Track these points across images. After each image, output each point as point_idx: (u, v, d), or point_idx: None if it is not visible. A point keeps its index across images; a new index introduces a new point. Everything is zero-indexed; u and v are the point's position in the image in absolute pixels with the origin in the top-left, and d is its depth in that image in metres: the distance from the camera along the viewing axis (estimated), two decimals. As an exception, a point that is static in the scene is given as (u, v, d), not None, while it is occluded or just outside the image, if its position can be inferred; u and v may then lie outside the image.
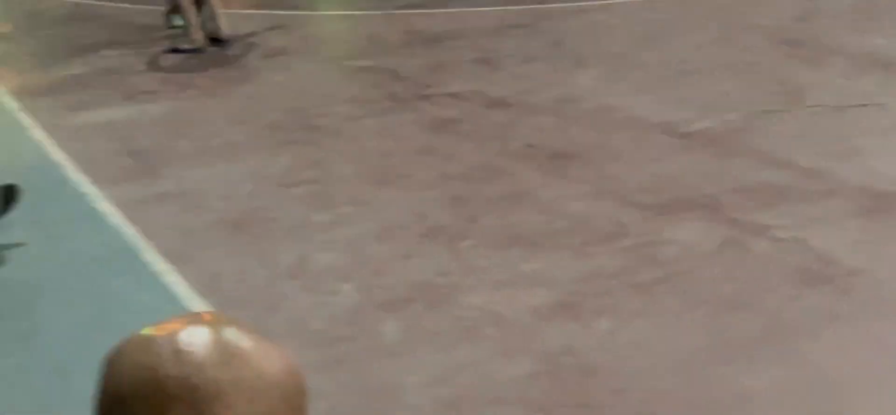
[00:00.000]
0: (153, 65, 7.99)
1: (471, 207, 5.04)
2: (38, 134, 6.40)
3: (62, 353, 3.68)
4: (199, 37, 8.24)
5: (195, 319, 0.97)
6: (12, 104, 7.13)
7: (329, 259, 4.58)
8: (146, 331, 0.98)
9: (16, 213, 4.80)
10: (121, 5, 9.31)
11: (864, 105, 6.10)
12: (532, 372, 3.63)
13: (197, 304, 4.20)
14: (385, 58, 7.84)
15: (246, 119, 6.62)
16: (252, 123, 6.56)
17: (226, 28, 8.30)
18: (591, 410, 3.42)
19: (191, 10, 8.24)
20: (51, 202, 5.22)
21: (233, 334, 0.96)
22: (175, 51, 8.22)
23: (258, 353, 0.95)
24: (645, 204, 4.91)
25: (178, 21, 8.52)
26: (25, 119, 6.74)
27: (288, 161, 5.80)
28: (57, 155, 6.03)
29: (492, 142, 5.91)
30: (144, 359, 0.94)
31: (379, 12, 9.47)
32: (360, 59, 7.87)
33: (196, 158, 5.94)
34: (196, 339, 0.94)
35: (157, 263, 4.59)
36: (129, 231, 4.95)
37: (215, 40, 8.31)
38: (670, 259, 4.36)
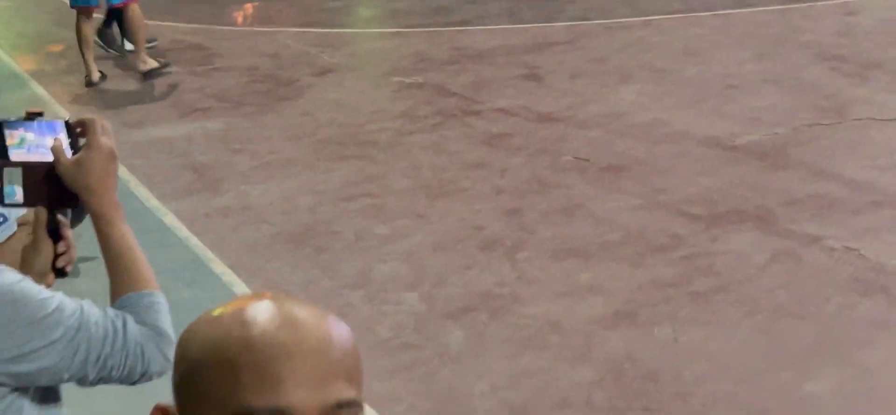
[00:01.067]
0: (206, 83, 8.18)
1: (526, 220, 5.18)
2: (100, 150, 6.59)
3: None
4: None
5: (258, 296, 1.12)
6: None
7: (391, 270, 4.74)
8: (213, 310, 1.13)
9: (84, 226, 4.98)
10: (171, 24, 9.52)
11: (909, 118, 6.20)
12: (596, 378, 3.77)
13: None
14: (432, 74, 7.99)
15: (301, 135, 6.79)
16: (307, 138, 6.72)
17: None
18: (655, 413, 3.55)
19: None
20: (118, 216, 5.40)
21: (293, 306, 1.07)
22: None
23: (317, 320, 1.05)
24: (697, 215, 5.03)
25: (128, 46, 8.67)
26: (85, 136, 6.94)
27: (344, 176, 5.96)
28: (120, 171, 6.21)
29: (543, 156, 6.05)
30: (213, 332, 1.06)
31: (423, 30, 9.62)
32: (408, 75, 8.03)
33: (255, 174, 6.11)
34: (260, 310, 1.06)
35: (226, 274, 4.76)
36: (196, 244, 5.12)
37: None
38: (725, 269, 4.49)
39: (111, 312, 1.86)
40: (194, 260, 4.93)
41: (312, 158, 6.32)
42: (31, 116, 2.03)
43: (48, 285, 2.02)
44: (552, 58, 8.26)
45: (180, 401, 1.10)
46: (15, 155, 1.99)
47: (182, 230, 5.29)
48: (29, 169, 2.02)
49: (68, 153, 1.96)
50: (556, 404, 3.64)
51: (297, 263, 4.86)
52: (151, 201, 5.70)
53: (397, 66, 8.53)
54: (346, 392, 1.05)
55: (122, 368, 1.85)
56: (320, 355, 1.04)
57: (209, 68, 8.58)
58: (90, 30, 8.25)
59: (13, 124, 2.00)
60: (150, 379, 1.86)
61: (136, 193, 5.86)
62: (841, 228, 4.75)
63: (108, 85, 8.26)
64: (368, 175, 5.97)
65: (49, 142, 2.02)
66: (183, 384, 1.10)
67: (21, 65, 9.27)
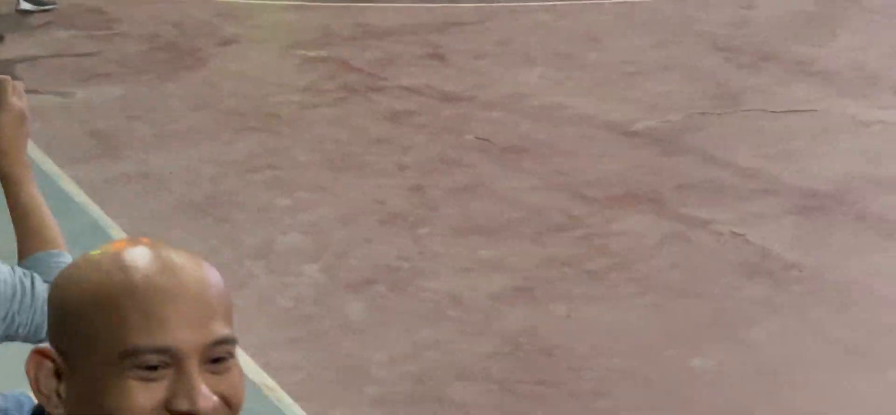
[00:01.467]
0: (105, 48, 8.06)
1: (428, 196, 5.26)
2: (-5, 113, 6.46)
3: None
4: None
5: (133, 242, 1.18)
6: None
7: (293, 241, 4.77)
8: (89, 254, 1.18)
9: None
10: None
11: (798, 111, 6.43)
12: (493, 352, 3.87)
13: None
14: (337, 49, 8.00)
15: (203, 105, 6.75)
16: (209, 108, 6.69)
17: None
18: (549, 386, 3.67)
19: None
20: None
21: (170, 251, 1.17)
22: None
23: (194, 264, 1.15)
24: (594, 197, 5.17)
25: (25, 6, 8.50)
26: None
27: (247, 147, 5.96)
28: (16, 134, 6.11)
29: (446, 134, 6.13)
30: (94, 276, 1.13)
31: (328, 5, 9.61)
32: (312, 49, 8.02)
33: (156, 142, 6.06)
34: (138, 255, 1.15)
35: (125, 241, 4.74)
36: (95, 211, 5.07)
37: None
38: (620, 249, 4.63)
39: (19, 270, 1.88)
40: (93, 226, 4.89)
41: (215, 129, 6.30)
42: None
43: None
44: (457, 38, 8.33)
45: (61, 344, 1.16)
46: None
47: (80, 196, 5.24)
48: None
49: None
50: (454, 376, 3.73)
51: (198, 233, 4.85)
52: (48, 166, 5.62)
53: (301, 40, 8.51)
54: (223, 330, 1.15)
55: (28, 325, 1.86)
56: (199, 296, 1.14)
57: (108, 34, 8.44)
58: None
59: None
60: None
61: (32, 157, 5.76)
62: (730, 213, 4.93)
63: (5, 48, 8.09)
64: (272, 147, 5.97)
65: None
66: (64, 328, 1.15)
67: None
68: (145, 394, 1.09)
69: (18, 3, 8.72)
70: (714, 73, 7.17)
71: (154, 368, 1.10)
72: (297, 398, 3.61)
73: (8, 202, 1.94)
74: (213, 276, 1.16)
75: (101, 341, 1.11)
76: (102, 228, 4.87)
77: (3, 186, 1.95)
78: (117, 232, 4.81)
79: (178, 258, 1.15)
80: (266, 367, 3.76)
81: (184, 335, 1.11)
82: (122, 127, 6.32)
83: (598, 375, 3.71)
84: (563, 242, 4.71)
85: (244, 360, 3.67)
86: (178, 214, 5.06)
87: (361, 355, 3.86)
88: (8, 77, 2.03)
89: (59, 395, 1.14)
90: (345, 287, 4.36)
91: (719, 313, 4.08)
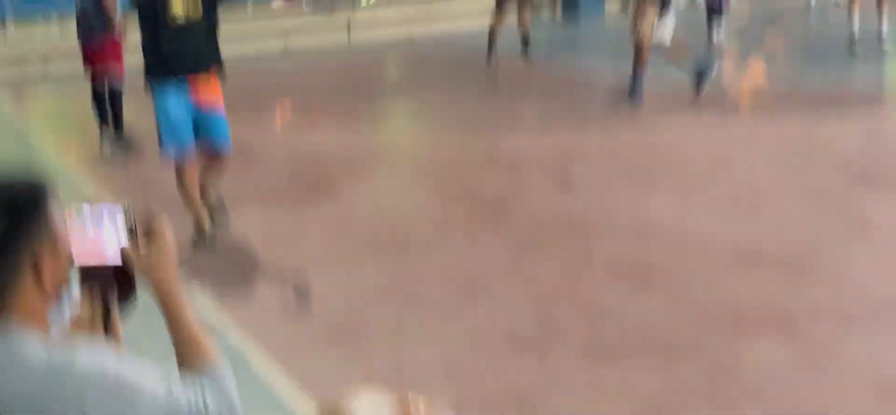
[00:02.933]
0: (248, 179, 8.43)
1: (555, 322, 5.32)
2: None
3: None
4: None
5: (376, 393, 1.28)
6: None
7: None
8: (332, 400, 1.28)
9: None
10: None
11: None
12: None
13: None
14: (467, 177, 8.21)
15: (335, 235, 7.00)
16: (342, 237, 6.93)
17: None
18: None
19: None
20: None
21: (401, 403, 1.26)
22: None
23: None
24: (723, 323, 5.16)
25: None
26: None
27: (377, 272, 6.14)
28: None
29: (573, 260, 6.21)
30: None
31: (460, 134, 9.86)
32: (443, 177, 8.25)
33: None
34: (374, 407, 1.25)
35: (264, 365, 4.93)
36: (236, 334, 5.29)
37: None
38: (750, 376, 4.60)
39: (191, 392, 2.03)
40: (229, 347, 5.09)
41: (346, 256, 6.51)
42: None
43: None
44: (584, 166, 8.46)
45: None
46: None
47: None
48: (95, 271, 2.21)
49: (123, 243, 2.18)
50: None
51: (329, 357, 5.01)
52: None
53: (429, 168, 8.76)
54: None
55: None
56: None
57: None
58: None
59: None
60: None
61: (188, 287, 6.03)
62: (863, 340, 4.87)
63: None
64: (402, 276, 6.14)
65: (105, 232, 2.22)
66: None
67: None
68: None
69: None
70: (841, 197, 7.11)
71: None
72: None
73: (169, 321, 2.14)
74: None
75: None
76: (240, 353, 5.08)
77: (164, 309, 2.15)
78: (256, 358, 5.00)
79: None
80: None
81: None
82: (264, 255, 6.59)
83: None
84: (692, 369, 4.70)
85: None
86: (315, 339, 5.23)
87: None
88: (160, 212, 2.24)
89: None
90: (475, 412, 4.43)
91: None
